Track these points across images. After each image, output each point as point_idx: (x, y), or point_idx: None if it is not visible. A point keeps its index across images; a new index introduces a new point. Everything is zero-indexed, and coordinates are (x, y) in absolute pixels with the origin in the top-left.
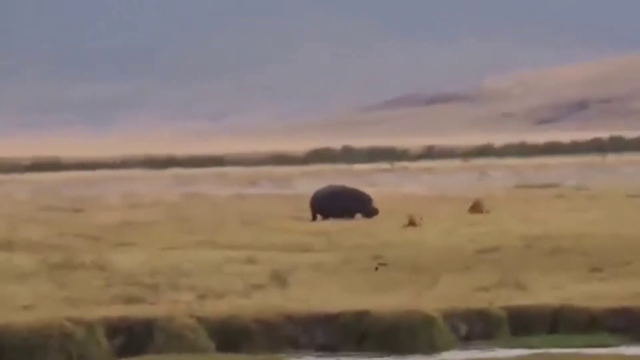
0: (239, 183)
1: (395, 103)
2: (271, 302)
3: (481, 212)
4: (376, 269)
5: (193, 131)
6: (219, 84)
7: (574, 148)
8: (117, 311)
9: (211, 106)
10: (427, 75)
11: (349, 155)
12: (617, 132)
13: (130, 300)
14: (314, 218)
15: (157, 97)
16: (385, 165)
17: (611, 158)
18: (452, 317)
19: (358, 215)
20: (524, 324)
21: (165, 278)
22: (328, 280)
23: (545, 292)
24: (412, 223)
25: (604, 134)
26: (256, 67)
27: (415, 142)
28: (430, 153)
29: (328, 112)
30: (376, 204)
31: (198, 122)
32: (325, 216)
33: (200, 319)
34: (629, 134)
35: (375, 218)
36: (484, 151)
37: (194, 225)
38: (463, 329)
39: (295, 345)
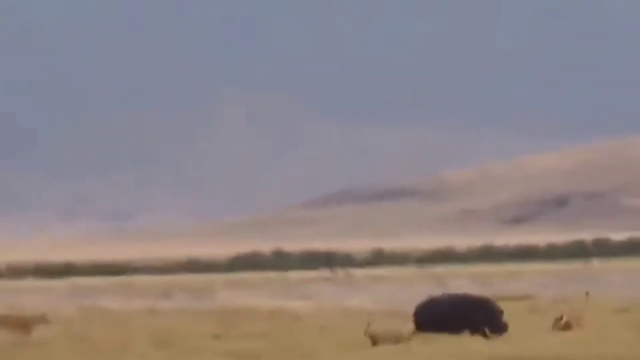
0: (149, 295)
1: (335, 198)
2: None
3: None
4: None
5: (92, 233)
6: (121, 175)
7: (551, 252)
8: None
9: (113, 203)
10: (373, 166)
11: (281, 260)
12: (603, 234)
13: None
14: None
15: (44, 191)
16: (325, 272)
17: (596, 264)
18: None
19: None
20: None
21: None
22: None
23: None
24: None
25: (588, 236)
26: (166, 155)
27: (360, 245)
28: (378, 258)
29: (254, 210)
30: (314, 319)
31: (98, 223)
32: (436, 330)
33: None
34: (618, 235)
35: (314, 336)
36: (444, 256)
37: (95, 346)
38: None
39: None
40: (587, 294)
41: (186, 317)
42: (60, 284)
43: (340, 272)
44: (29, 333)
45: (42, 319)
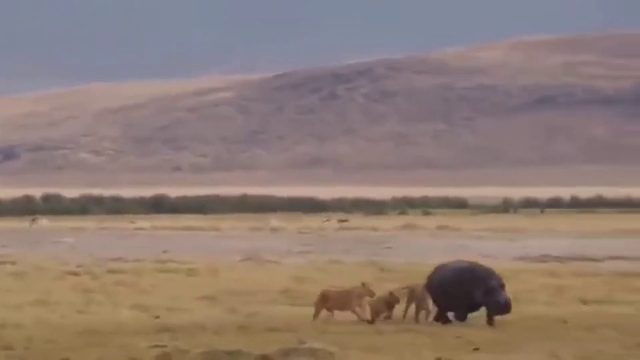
0: None
1: None
2: None
3: None
4: None
5: None
6: None
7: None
8: None
9: None
10: None
11: None
12: (53, 189)
13: None
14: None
15: None
16: None
17: (45, 223)
18: None
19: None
20: None
21: None
22: None
23: None
24: None
25: (37, 191)
26: None
27: None
28: None
29: None
30: None
31: None
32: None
33: None
34: (69, 191)
35: None
36: None
37: None
38: None
39: None
40: None
41: None
42: None
43: None
44: None
45: None
